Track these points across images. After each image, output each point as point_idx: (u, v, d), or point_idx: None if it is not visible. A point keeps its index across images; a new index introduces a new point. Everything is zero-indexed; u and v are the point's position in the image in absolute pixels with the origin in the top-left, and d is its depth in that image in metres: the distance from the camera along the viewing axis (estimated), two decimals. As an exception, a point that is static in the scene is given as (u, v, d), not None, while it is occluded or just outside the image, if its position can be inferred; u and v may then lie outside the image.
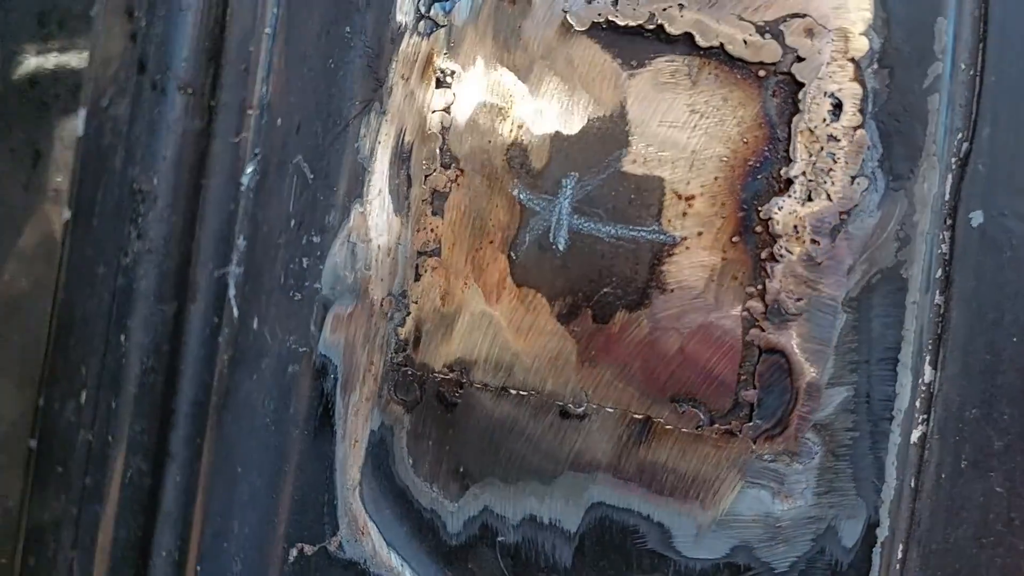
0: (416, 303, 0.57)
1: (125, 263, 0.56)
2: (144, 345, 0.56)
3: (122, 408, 0.56)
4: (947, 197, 0.50)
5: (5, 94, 1.14)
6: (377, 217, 0.57)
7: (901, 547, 0.50)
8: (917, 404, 0.50)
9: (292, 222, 0.56)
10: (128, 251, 0.56)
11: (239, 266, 0.55)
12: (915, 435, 0.50)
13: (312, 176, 0.55)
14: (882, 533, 0.51)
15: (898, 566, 0.51)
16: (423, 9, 0.56)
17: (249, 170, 0.55)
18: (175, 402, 0.56)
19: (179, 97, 0.55)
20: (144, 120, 0.57)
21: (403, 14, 0.57)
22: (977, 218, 0.50)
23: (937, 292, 0.50)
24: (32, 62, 1.17)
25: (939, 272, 0.50)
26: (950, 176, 0.50)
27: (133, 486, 0.58)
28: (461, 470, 0.56)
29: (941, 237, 0.50)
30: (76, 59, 1.19)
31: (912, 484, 0.50)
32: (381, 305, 0.57)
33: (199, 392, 0.56)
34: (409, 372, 0.57)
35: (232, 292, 0.56)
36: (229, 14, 0.56)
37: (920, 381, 0.50)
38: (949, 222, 0.50)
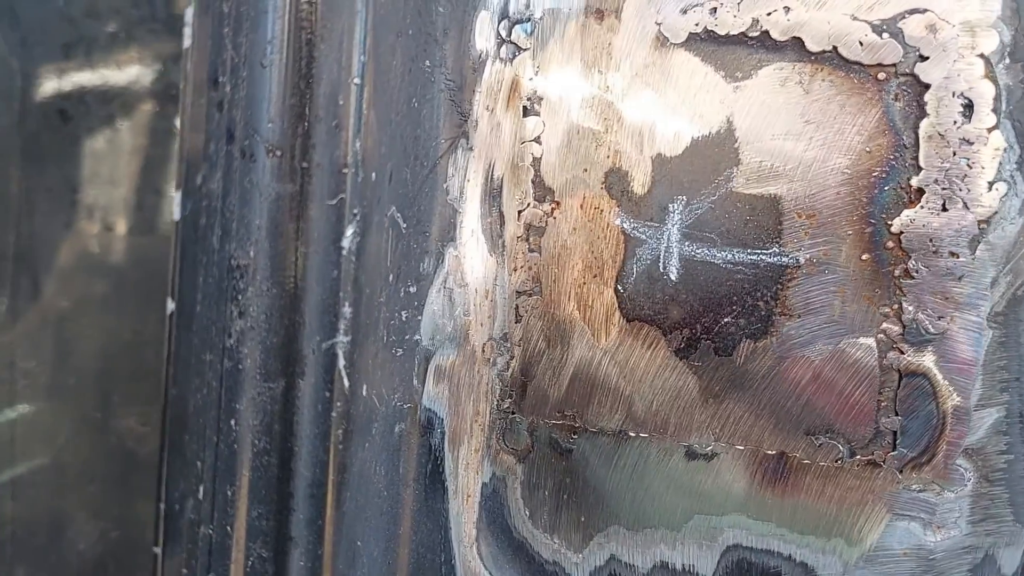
0: (519, 346, 0.54)
1: (229, 345, 0.52)
2: (255, 427, 0.53)
3: (238, 496, 0.53)
4: (1088, 192, 0.46)
5: (37, 132, 1.11)
6: (472, 259, 0.53)
7: (1063, 571, 0.48)
8: (1069, 416, 0.47)
9: (390, 276, 0.52)
10: (231, 331, 0.52)
11: (346, 335, 0.51)
12: (1069, 448, 0.47)
13: (405, 225, 0.51)
14: (1045, 559, 0.48)
15: (1059, 589, 0.48)
16: (504, 33, 0.52)
17: (349, 232, 0.51)
18: (292, 484, 0.53)
19: (268, 161, 0.51)
20: (236, 190, 0.52)
21: (483, 40, 0.52)
22: (1120, 212, 0.46)
23: (1082, 295, 0.47)
24: (59, 92, 1.14)
25: (1084, 274, 0.46)
26: (1089, 170, 0.46)
27: (256, 574, 0.55)
28: (583, 519, 0.53)
29: (1083, 236, 0.46)
30: (103, 81, 1.16)
31: (1068, 501, 0.47)
32: (483, 351, 0.54)
33: (316, 471, 0.53)
34: (518, 419, 0.54)
35: (342, 363, 0.52)
36: (315, 67, 0.52)
37: (1071, 392, 0.47)
38: (1091, 219, 0.46)
